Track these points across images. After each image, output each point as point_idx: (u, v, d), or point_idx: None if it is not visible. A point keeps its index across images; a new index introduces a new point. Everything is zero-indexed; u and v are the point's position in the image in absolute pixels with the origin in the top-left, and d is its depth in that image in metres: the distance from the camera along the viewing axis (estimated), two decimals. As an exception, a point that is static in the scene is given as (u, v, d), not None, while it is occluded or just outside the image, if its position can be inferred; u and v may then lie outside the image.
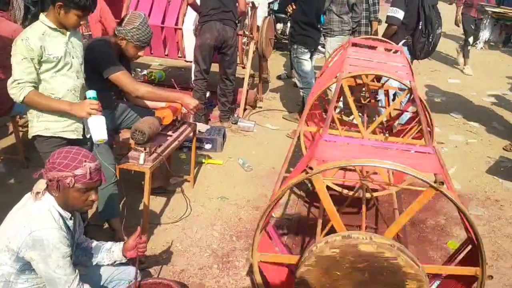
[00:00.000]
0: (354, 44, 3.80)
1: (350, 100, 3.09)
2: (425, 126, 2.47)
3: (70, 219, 1.92)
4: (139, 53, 3.09)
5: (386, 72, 3.06)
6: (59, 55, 2.37)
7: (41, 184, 1.85)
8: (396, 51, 4.00)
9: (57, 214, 1.84)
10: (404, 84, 2.96)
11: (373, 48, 4.01)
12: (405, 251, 1.65)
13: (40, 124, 2.45)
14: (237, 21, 4.67)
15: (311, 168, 1.70)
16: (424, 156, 1.93)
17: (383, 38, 4.46)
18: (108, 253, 2.17)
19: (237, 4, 4.64)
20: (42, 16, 2.39)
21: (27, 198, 1.89)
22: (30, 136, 2.51)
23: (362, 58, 3.34)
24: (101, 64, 2.86)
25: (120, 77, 2.90)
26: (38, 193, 1.83)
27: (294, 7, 4.62)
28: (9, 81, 2.33)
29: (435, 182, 1.66)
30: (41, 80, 2.38)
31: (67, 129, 2.49)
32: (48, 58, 2.33)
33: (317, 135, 3.23)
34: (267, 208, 1.88)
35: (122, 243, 2.19)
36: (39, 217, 1.79)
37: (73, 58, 2.46)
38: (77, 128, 2.52)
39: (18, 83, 2.31)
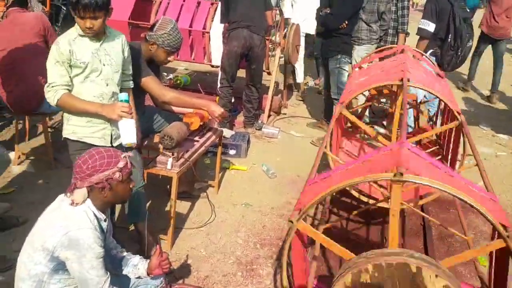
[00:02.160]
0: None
1: (355, 119, 3.06)
2: (404, 119, 2.42)
3: (105, 220, 1.95)
4: (169, 58, 3.11)
5: (379, 81, 3.04)
6: (86, 61, 2.38)
7: (77, 196, 1.85)
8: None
9: (92, 215, 1.86)
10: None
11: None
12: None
13: (69, 128, 2.50)
14: (264, 31, 4.66)
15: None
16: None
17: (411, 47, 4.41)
18: (134, 268, 2.18)
19: (264, 15, 4.64)
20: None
21: (60, 200, 1.92)
22: (62, 138, 2.56)
23: (366, 76, 3.31)
24: (131, 68, 2.89)
25: (148, 81, 2.94)
26: (77, 203, 1.85)
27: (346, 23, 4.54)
28: (46, 85, 2.39)
29: (394, 175, 1.64)
30: (73, 84, 2.41)
31: (94, 135, 2.50)
32: (76, 63, 2.36)
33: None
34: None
35: (147, 262, 2.19)
36: (75, 217, 1.82)
37: (104, 65, 2.44)
38: (104, 135, 2.52)
39: (52, 87, 2.36)
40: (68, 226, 1.79)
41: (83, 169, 1.84)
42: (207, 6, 5.32)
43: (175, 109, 3.35)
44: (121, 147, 2.50)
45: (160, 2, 5.40)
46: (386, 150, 1.97)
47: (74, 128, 2.48)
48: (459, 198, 1.66)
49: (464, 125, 2.78)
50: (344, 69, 4.62)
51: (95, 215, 1.88)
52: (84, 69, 2.39)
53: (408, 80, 2.81)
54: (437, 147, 3.65)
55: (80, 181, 1.85)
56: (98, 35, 2.42)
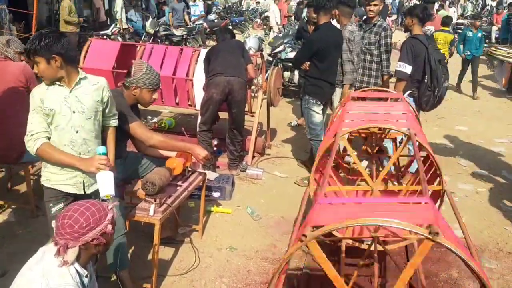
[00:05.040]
0: (356, 98, 3.88)
1: (353, 155, 3.13)
2: (421, 171, 2.46)
3: (86, 276, 1.92)
4: (154, 96, 3.17)
5: (383, 122, 3.11)
6: (53, 108, 2.39)
7: (71, 256, 1.84)
8: (397, 99, 4.05)
9: (74, 271, 1.84)
10: (403, 132, 3.00)
11: (382, 100, 4.08)
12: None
13: (44, 174, 2.53)
14: (244, 77, 4.75)
15: (305, 236, 1.70)
16: (419, 207, 1.92)
17: (384, 88, 4.55)
18: None
19: (245, 67, 4.77)
20: None
21: (42, 252, 1.89)
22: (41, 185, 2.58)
23: (362, 112, 3.39)
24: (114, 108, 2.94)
25: (136, 127, 3.01)
26: (66, 262, 1.83)
27: (308, 64, 4.71)
28: (26, 134, 2.41)
29: (430, 233, 1.65)
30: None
31: (66, 182, 2.51)
32: (45, 111, 2.39)
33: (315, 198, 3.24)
34: (273, 277, 1.85)
35: None
36: (56, 273, 1.79)
37: (73, 112, 2.45)
38: (76, 183, 2.52)
39: (31, 135, 2.39)
40: (49, 282, 1.75)
41: (76, 229, 1.82)
42: (190, 53, 5.46)
43: (162, 152, 3.39)
44: (94, 195, 2.51)
45: (144, 49, 5.53)
46: (409, 200, 2.01)
47: (48, 175, 2.51)
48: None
49: (449, 195, 2.84)
50: (313, 110, 4.70)
51: (77, 271, 1.85)
52: (53, 117, 2.41)
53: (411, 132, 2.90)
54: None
55: (73, 241, 1.82)
56: (69, 81, 2.44)
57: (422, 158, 3.30)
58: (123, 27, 11.12)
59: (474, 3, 23.31)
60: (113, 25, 10.94)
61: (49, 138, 2.43)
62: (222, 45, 4.89)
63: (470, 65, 9.21)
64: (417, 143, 2.83)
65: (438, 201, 3.12)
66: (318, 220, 1.84)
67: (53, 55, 2.35)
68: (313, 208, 1.98)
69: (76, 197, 2.46)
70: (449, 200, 2.82)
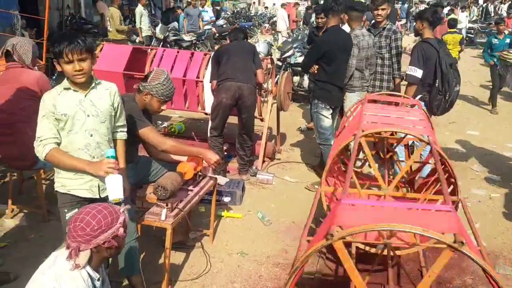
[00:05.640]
0: (372, 101, 3.85)
1: (370, 157, 3.10)
2: (444, 182, 2.44)
3: (98, 280, 1.92)
4: (162, 107, 3.19)
5: (403, 127, 3.08)
6: (67, 113, 2.40)
7: (82, 259, 1.84)
8: (413, 105, 4.03)
9: (86, 274, 1.84)
10: (421, 140, 2.97)
11: (393, 104, 4.05)
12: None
13: (59, 180, 2.52)
14: (254, 82, 4.75)
15: (332, 235, 1.69)
16: (443, 215, 1.90)
17: (400, 94, 4.52)
18: None
19: (255, 72, 4.76)
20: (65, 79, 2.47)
21: (55, 256, 1.90)
22: (54, 191, 2.58)
23: (380, 114, 3.37)
24: (129, 120, 2.95)
25: (148, 132, 3.01)
26: (82, 267, 1.84)
27: (316, 67, 4.71)
28: (35, 140, 2.42)
29: (454, 242, 1.62)
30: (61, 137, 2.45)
31: (81, 187, 2.51)
32: (58, 116, 2.39)
33: (336, 198, 3.21)
34: (290, 277, 1.84)
35: None
36: (68, 277, 1.79)
37: (88, 116, 2.45)
38: (91, 187, 2.53)
39: (41, 141, 2.39)
40: (61, 286, 1.76)
41: (87, 232, 1.82)
42: (201, 57, 5.47)
43: (173, 156, 3.39)
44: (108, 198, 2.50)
45: (155, 53, 5.55)
46: (432, 207, 2.00)
47: (63, 181, 2.51)
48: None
49: (432, 146, 2.81)
50: (322, 114, 4.68)
51: (89, 275, 1.86)
52: (66, 122, 2.41)
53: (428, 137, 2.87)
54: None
55: (85, 244, 1.83)
56: (84, 85, 2.44)
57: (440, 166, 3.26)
58: (142, 35, 10.78)
59: (479, 8, 23.11)
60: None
61: (58, 144, 2.43)
62: (234, 46, 4.86)
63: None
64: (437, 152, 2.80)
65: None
66: (344, 221, 1.83)
67: (94, 52, 2.42)
68: (336, 207, 1.95)
69: (91, 202, 2.45)
70: (463, 208, 2.78)
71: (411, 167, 4.00)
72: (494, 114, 8.22)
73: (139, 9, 10.75)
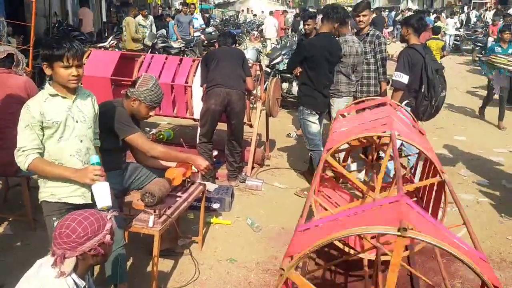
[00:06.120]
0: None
1: (342, 169, 3.14)
2: (398, 169, 2.44)
3: (84, 287, 1.88)
4: (150, 113, 3.17)
5: (366, 131, 3.12)
6: (58, 120, 2.37)
7: (68, 267, 1.80)
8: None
9: (72, 282, 1.81)
10: (383, 136, 3.00)
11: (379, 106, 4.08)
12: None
13: (47, 190, 2.46)
14: (243, 88, 4.74)
15: (283, 269, 1.70)
16: (392, 207, 1.85)
17: (374, 97, 4.56)
18: None
19: (244, 78, 4.74)
20: (47, 84, 2.44)
21: (40, 264, 1.86)
22: (39, 201, 2.51)
23: (351, 125, 3.41)
24: (117, 125, 2.92)
25: (137, 138, 2.99)
26: (63, 272, 1.80)
27: (300, 70, 4.74)
28: (16, 150, 2.36)
29: (398, 230, 1.60)
30: (46, 146, 2.39)
31: (73, 194, 2.47)
32: (48, 124, 2.35)
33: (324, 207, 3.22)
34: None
35: None
36: (54, 285, 1.76)
37: (77, 122, 2.44)
38: (83, 193, 2.49)
39: (23, 151, 2.34)
40: None
41: (73, 238, 1.79)
42: (189, 63, 5.46)
43: (162, 163, 3.36)
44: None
45: (143, 60, 5.52)
46: (383, 202, 1.97)
47: (52, 190, 2.45)
48: (464, 262, 1.61)
49: (448, 184, 2.80)
50: (309, 120, 4.66)
51: (75, 283, 1.82)
52: (57, 129, 2.38)
53: (399, 135, 2.89)
54: (415, 198, 3.67)
55: (70, 251, 1.79)
56: (71, 91, 2.42)
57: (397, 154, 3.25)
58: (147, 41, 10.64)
59: (465, 15, 23.43)
60: (111, 37, 10.93)
61: (41, 154, 2.38)
62: (223, 51, 4.84)
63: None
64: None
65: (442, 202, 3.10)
66: (294, 250, 1.83)
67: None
68: (293, 238, 1.96)
69: (77, 208, 2.40)
70: (447, 186, 2.76)
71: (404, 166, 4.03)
72: (503, 130, 7.62)
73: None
